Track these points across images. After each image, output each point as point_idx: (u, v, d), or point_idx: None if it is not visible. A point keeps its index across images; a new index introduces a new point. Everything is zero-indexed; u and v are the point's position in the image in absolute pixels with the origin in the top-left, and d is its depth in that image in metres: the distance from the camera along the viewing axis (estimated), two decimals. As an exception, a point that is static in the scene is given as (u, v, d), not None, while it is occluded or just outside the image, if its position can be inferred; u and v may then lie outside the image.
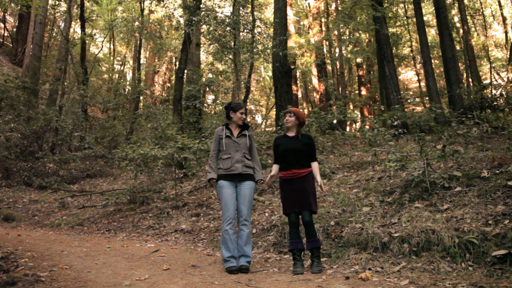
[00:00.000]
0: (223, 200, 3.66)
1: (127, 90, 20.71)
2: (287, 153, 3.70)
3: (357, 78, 20.82)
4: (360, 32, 18.09)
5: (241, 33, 14.34)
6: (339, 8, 17.37)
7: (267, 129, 18.67)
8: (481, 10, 19.80)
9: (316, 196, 3.73)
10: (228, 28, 11.46)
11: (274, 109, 12.43)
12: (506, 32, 18.25)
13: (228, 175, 3.72)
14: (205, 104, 13.99)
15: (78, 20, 17.61)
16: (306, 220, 3.54)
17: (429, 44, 13.56)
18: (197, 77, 12.78)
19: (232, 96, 20.06)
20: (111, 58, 24.15)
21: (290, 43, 15.65)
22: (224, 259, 3.60)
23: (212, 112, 15.38)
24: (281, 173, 3.75)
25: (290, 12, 16.03)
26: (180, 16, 12.98)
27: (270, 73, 16.50)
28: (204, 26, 12.02)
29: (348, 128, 17.82)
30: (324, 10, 18.78)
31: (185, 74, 12.04)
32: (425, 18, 15.58)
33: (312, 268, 3.46)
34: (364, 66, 19.91)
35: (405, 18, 18.65)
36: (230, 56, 12.50)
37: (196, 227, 5.72)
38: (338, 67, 20.51)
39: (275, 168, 3.87)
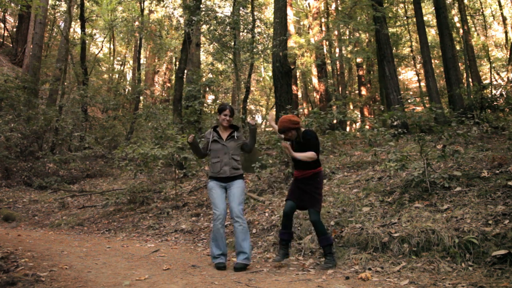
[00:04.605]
0: (213, 199, 3.80)
1: (127, 90, 20.71)
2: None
3: (357, 78, 20.81)
4: (360, 32, 18.10)
5: (241, 33, 14.34)
6: (339, 8, 17.38)
7: (267, 129, 18.67)
8: (481, 10, 19.80)
9: (321, 196, 3.75)
10: (228, 28, 11.46)
11: (274, 109, 12.43)
12: (506, 32, 18.25)
13: (217, 177, 3.87)
14: (205, 104, 13.98)
15: (78, 20, 17.61)
16: (313, 219, 3.61)
17: (429, 44, 13.56)
18: (197, 77, 12.78)
19: (232, 96, 20.07)
20: (111, 58, 24.15)
21: (290, 43, 15.65)
22: (214, 256, 3.72)
23: (212, 112, 15.37)
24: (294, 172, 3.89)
25: (290, 12, 16.03)
26: (180, 16, 12.98)
27: (270, 73, 16.49)
28: (204, 26, 12.03)
29: (348, 128, 17.81)
30: (324, 10, 18.77)
31: (185, 74, 12.04)
32: (425, 18, 15.57)
33: (321, 264, 3.60)
34: (364, 66, 19.90)
35: (405, 18, 18.65)
36: (230, 56, 12.50)
37: (196, 227, 5.72)
38: (338, 67, 20.51)
39: None
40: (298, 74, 20.31)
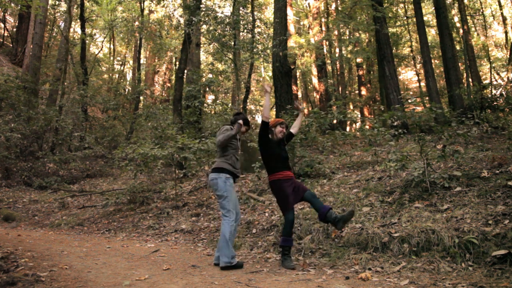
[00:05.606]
0: (233, 199, 3.79)
1: (127, 90, 20.73)
2: (279, 159, 3.91)
3: (357, 78, 20.82)
4: (360, 32, 18.10)
5: (241, 33, 14.34)
6: (339, 8, 17.37)
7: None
8: (481, 10, 19.81)
9: None
10: (228, 28, 11.46)
11: (274, 109, 12.42)
12: (506, 32, 18.25)
13: (235, 175, 3.92)
14: (205, 104, 13.98)
15: (78, 20, 17.63)
16: (313, 193, 3.79)
17: (429, 44, 13.56)
18: (197, 77, 12.78)
19: (232, 96, 20.06)
20: (111, 58, 24.17)
21: (290, 43, 15.65)
22: (233, 256, 3.62)
23: (212, 112, 15.38)
24: (277, 175, 3.86)
25: (290, 12, 16.03)
26: (180, 16, 12.98)
27: (270, 73, 16.49)
28: (204, 26, 12.03)
29: (348, 128, 17.82)
30: (324, 10, 18.78)
31: (185, 74, 12.04)
32: (425, 18, 15.58)
33: (337, 225, 3.53)
34: (364, 66, 19.91)
35: (405, 18, 18.65)
36: (230, 56, 12.50)
37: (196, 227, 5.72)
38: (338, 67, 20.51)
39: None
40: (298, 74, 20.31)
